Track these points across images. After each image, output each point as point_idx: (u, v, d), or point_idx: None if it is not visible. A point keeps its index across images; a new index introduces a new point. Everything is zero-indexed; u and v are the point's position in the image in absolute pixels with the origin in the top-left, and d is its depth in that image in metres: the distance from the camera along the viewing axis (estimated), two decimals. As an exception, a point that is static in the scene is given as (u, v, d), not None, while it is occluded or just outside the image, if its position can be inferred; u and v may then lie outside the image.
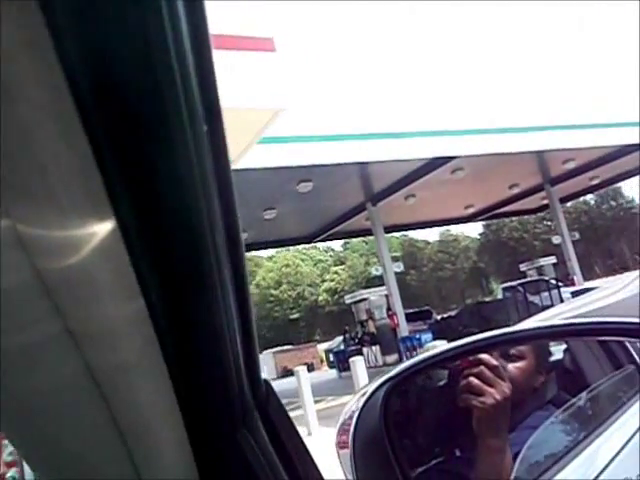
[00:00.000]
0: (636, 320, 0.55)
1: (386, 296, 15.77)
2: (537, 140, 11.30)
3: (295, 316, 50.58)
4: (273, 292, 50.73)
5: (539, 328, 0.61)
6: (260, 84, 4.39)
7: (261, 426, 0.29)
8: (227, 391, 0.25)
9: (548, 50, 12.10)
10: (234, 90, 4.21)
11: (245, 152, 5.39)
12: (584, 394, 0.83)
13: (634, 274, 2.37)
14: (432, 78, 10.42)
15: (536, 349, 0.81)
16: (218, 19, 4.26)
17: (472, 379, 0.80)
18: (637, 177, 17.48)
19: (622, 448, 0.78)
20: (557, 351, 0.86)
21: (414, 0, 10.61)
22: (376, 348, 16.17)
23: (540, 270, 19.32)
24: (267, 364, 24.52)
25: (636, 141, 12.80)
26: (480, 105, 10.68)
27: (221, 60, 4.24)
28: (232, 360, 0.25)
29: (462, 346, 0.64)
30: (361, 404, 0.49)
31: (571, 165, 13.86)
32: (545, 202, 16.86)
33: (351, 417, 0.47)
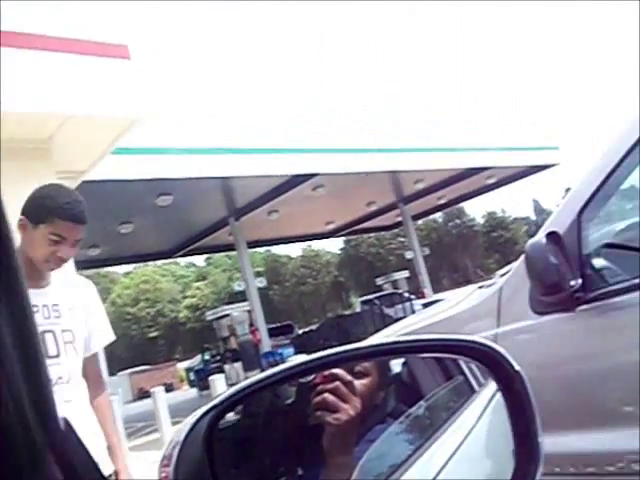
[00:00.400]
0: (463, 337, 0.59)
1: (249, 312, 15.70)
2: (392, 161, 11.99)
3: (154, 334, 48.50)
4: (130, 310, 48.29)
5: (376, 346, 0.64)
6: (115, 92, 4.19)
7: (56, 469, 0.26)
8: (4, 439, 0.22)
9: (403, 77, 12.93)
10: (86, 97, 3.98)
11: (98, 162, 5.10)
12: (420, 405, 0.88)
13: (473, 287, 2.58)
14: (296, 96, 10.65)
15: (379, 365, 0.83)
16: (70, 23, 4.01)
17: (327, 395, 0.79)
18: (478, 198, 19.25)
19: (455, 451, 0.83)
20: (396, 364, 0.90)
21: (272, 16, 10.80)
22: (238, 365, 15.99)
23: (395, 284, 20.42)
24: (122, 386, 23.17)
25: (477, 165, 14.10)
26: (340, 125, 11.11)
27: (73, 65, 3.98)
28: (10, 403, 0.21)
29: (304, 364, 0.64)
30: (183, 436, 0.47)
31: (421, 185, 14.87)
32: (399, 219, 17.90)
33: (174, 448, 0.44)
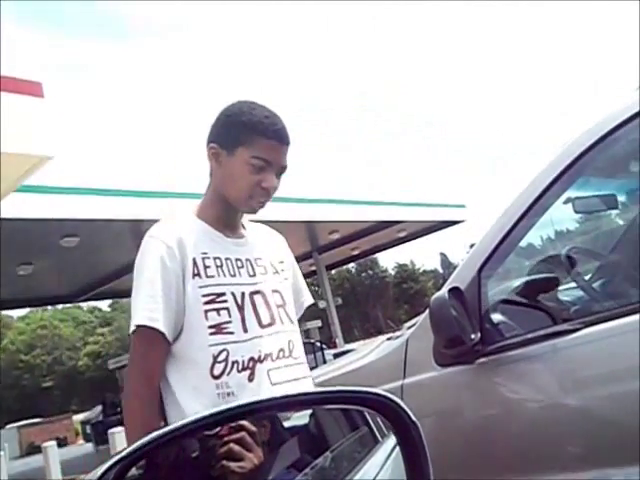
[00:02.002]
0: (364, 389, 0.61)
1: None
2: (308, 211, 12.19)
3: (48, 384, 45.14)
4: (23, 357, 44.85)
5: (283, 398, 0.65)
6: (25, 129, 4.04)
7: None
8: None
9: (321, 130, 13.30)
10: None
11: (2, 199, 4.83)
12: (325, 456, 0.89)
13: (383, 338, 2.65)
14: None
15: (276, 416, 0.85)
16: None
17: (233, 445, 0.80)
18: (390, 250, 19.87)
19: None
20: (304, 415, 0.91)
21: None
22: (141, 416, 15.12)
23: (307, 333, 20.38)
24: (9, 441, 21.26)
25: (390, 218, 14.62)
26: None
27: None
28: None
29: (211, 416, 0.64)
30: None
31: (336, 236, 15.17)
32: (313, 268, 18.05)
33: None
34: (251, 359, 1.37)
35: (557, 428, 1.62)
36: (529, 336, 1.67)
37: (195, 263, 1.38)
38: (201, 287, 1.36)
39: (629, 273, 2.18)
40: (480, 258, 1.83)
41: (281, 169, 1.45)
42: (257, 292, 1.43)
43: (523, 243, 1.95)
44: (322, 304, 18.12)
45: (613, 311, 1.60)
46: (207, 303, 1.36)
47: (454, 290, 1.72)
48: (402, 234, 17.13)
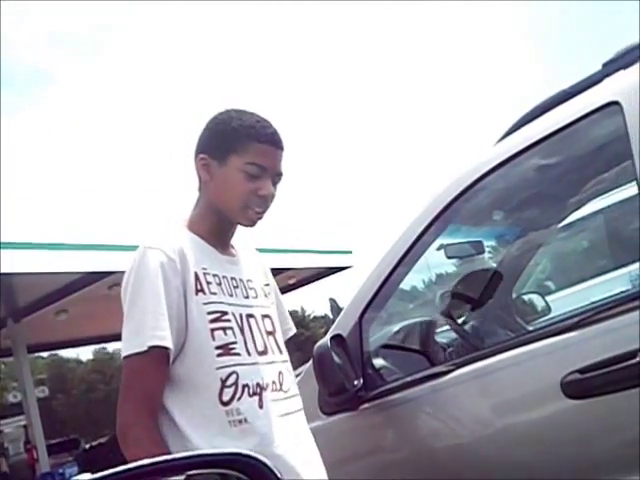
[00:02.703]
0: (226, 451, 0.58)
1: (25, 427, 13.71)
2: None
3: None
4: None
5: (143, 466, 0.60)
6: None
7: None
8: None
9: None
10: None
11: None
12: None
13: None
14: (92, 188, 10.19)
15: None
16: None
17: None
18: (281, 296, 19.82)
19: None
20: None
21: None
22: (8, 492, 13.61)
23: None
24: None
25: (280, 266, 14.66)
26: (138, 221, 10.82)
27: None
28: None
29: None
30: None
31: (292, 281, 15.05)
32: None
33: None
34: (258, 385, 1.28)
35: (439, 471, 1.66)
36: (408, 379, 1.71)
37: (197, 278, 1.28)
38: (205, 304, 1.26)
39: (497, 314, 2.32)
40: (361, 304, 1.87)
41: (277, 176, 1.36)
42: (251, 316, 1.35)
43: (402, 288, 2.03)
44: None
45: (482, 351, 1.68)
46: (213, 321, 1.26)
47: (336, 337, 1.73)
48: (292, 281, 17.24)
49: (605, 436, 1.43)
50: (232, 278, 1.36)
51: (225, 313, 1.28)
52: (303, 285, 18.73)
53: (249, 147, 1.30)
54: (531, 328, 2.36)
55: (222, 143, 1.32)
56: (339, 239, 17.47)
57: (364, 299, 1.87)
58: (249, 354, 1.29)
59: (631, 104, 1.50)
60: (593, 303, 1.83)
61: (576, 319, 1.46)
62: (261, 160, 1.31)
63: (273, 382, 1.32)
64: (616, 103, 1.52)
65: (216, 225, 1.37)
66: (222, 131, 1.33)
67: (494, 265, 2.58)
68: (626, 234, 3.17)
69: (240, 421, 1.23)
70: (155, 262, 1.24)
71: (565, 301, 3.42)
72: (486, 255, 2.55)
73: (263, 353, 1.32)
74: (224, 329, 1.26)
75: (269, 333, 1.38)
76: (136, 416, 1.19)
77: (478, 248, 2.41)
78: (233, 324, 1.28)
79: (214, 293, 1.29)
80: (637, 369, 1.29)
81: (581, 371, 1.37)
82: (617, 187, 2.09)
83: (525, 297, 3.15)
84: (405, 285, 2.08)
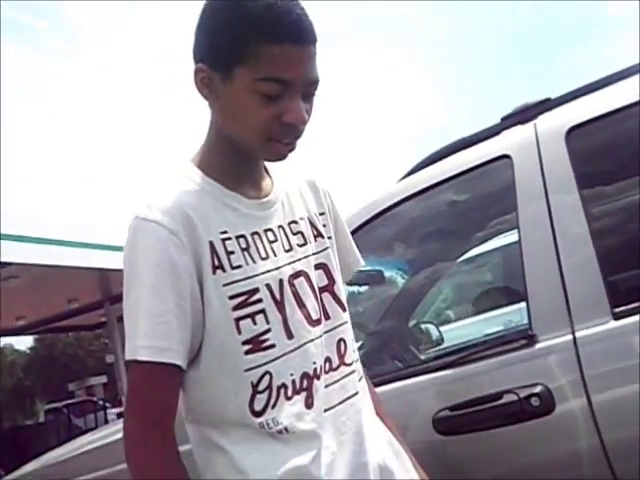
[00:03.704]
0: None
1: None
2: (100, 257, 11.44)
3: None
4: None
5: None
6: None
7: None
8: None
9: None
10: None
11: None
12: None
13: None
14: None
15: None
16: None
17: None
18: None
19: None
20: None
21: None
22: None
23: (89, 390, 18.74)
24: None
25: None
26: (40, 213, 10.30)
27: None
28: None
29: None
30: None
31: None
32: (104, 319, 16.84)
33: None
34: (304, 376, 0.97)
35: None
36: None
37: (214, 250, 0.94)
38: (226, 285, 0.94)
39: (389, 343, 2.39)
40: None
41: (310, 86, 0.94)
42: (297, 274, 1.01)
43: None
44: (110, 358, 16.89)
45: (375, 379, 1.72)
46: (237, 308, 0.94)
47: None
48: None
49: (473, 472, 1.50)
50: (266, 231, 1.01)
51: (254, 292, 0.96)
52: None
53: (259, 52, 0.88)
54: (422, 357, 2.44)
55: (222, 47, 0.90)
56: None
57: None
58: (291, 336, 0.98)
59: (521, 159, 1.61)
60: (470, 341, 1.92)
61: (453, 357, 1.54)
62: (281, 71, 0.89)
63: (328, 360, 1.02)
64: (508, 157, 1.63)
65: (234, 160, 1.00)
66: (219, 26, 0.91)
67: (392, 294, 2.66)
68: (508, 277, 3.38)
69: (280, 432, 0.95)
70: (150, 240, 0.92)
71: (456, 332, 3.58)
72: (385, 285, 2.62)
73: (316, 322, 1.01)
74: (252, 316, 0.95)
75: (324, 289, 1.06)
76: (139, 434, 0.94)
77: (378, 277, 2.48)
78: (266, 303, 0.97)
79: (238, 266, 0.95)
80: (501, 410, 1.37)
81: (451, 408, 1.44)
82: (503, 233, 2.23)
83: (422, 326, 3.26)
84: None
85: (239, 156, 1.00)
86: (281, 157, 0.99)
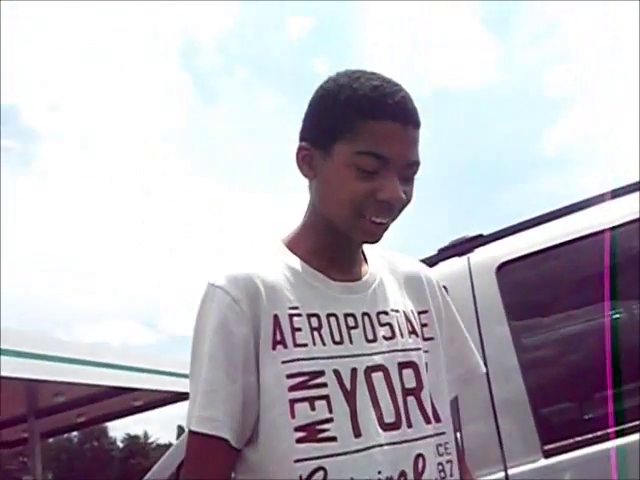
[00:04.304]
0: None
1: None
2: (29, 367, 10.78)
3: None
4: None
5: None
6: None
7: None
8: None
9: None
10: None
11: None
12: None
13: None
14: None
15: None
16: None
17: None
18: (123, 419, 18.21)
19: None
20: None
21: None
22: None
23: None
24: None
25: (125, 384, 13.62)
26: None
27: None
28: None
29: None
30: None
31: (61, 399, 13.52)
32: (25, 435, 15.53)
33: None
34: None
35: None
36: None
37: (278, 323, 0.88)
38: (286, 362, 0.86)
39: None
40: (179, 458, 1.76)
41: (409, 168, 0.91)
42: (378, 368, 0.91)
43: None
44: (27, 478, 15.39)
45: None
46: (294, 389, 0.85)
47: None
48: (138, 403, 15.99)
49: None
50: (347, 315, 0.93)
51: (318, 374, 0.87)
52: (151, 409, 17.41)
53: (360, 127, 0.88)
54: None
55: (326, 124, 0.91)
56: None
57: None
58: (358, 435, 0.86)
59: (455, 290, 1.66)
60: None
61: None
62: (380, 146, 0.87)
63: (403, 475, 0.87)
64: (444, 287, 1.68)
65: (326, 241, 0.96)
66: (327, 106, 0.92)
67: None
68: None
69: None
70: (213, 306, 0.88)
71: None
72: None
73: (391, 427, 0.89)
74: (312, 400, 0.85)
75: (410, 392, 0.92)
76: None
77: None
78: (331, 390, 0.86)
79: (302, 345, 0.88)
80: None
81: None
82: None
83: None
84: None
85: (332, 237, 0.95)
86: (374, 236, 0.93)
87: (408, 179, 0.92)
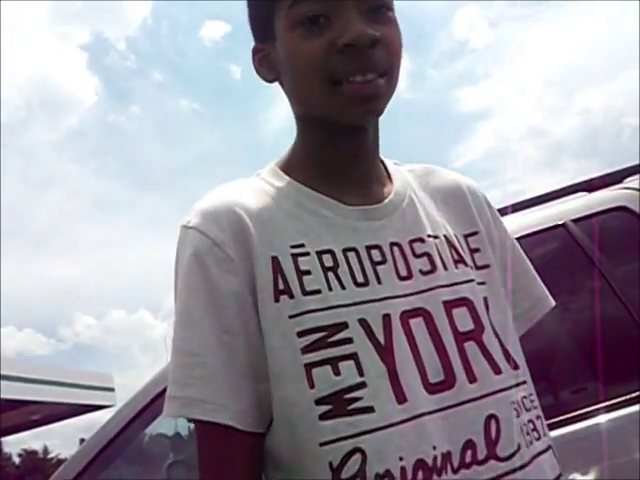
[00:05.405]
0: None
1: None
2: None
3: None
4: None
5: None
6: None
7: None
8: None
9: None
10: None
11: None
12: None
13: None
14: None
15: None
16: None
17: None
18: (21, 434, 17.19)
19: None
20: None
21: None
22: None
23: None
24: None
25: (22, 397, 12.84)
26: None
27: None
28: None
29: None
30: None
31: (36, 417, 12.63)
32: None
33: None
34: (419, 465, 0.62)
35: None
36: None
37: (278, 268, 0.67)
38: (294, 316, 0.65)
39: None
40: (79, 465, 1.72)
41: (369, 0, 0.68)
42: (417, 312, 0.68)
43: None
44: None
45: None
46: (310, 350, 0.64)
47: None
48: (36, 417, 15.11)
49: None
50: (370, 248, 0.70)
51: (339, 327, 0.65)
52: (51, 422, 16.44)
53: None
54: None
55: (259, 8, 0.75)
56: (101, 373, 16.02)
57: (87, 455, 1.74)
58: (403, 399, 0.64)
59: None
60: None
61: None
62: (318, 5, 0.67)
63: (470, 446, 0.64)
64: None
65: (327, 150, 0.73)
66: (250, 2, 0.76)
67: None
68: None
69: None
70: (190, 254, 0.68)
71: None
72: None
73: (441, 387, 0.66)
74: (334, 362, 0.64)
75: (467, 336, 0.70)
76: None
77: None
78: (359, 346, 0.65)
79: (314, 291, 0.66)
80: None
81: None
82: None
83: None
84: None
85: (331, 141, 0.72)
86: (364, 102, 0.68)
87: (378, 17, 0.68)
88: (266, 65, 0.75)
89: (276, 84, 0.76)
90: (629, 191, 1.72)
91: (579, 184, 1.92)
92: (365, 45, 0.65)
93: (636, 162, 1.88)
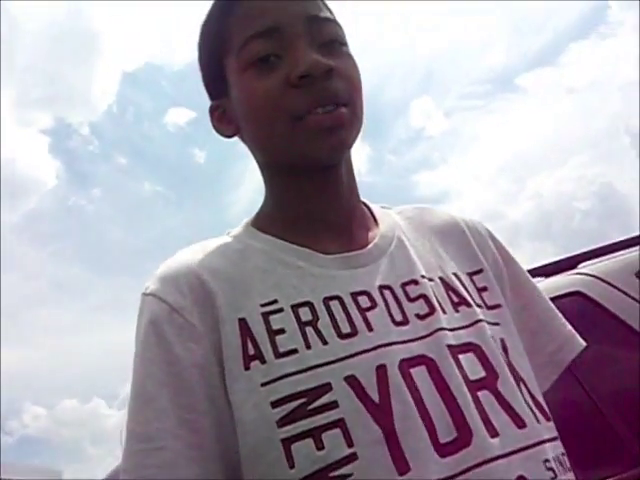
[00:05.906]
0: None
1: None
2: None
3: None
4: None
5: None
6: None
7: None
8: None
9: None
10: None
11: None
12: None
13: None
14: None
15: None
16: None
17: None
18: None
19: None
20: None
21: None
22: None
23: None
24: None
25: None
26: None
27: None
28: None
29: None
30: None
31: None
32: None
33: None
34: None
35: None
36: None
37: (247, 331, 0.58)
38: (267, 384, 0.55)
39: None
40: None
41: (318, 32, 0.64)
42: (418, 359, 0.58)
43: None
44: None
45: None
46: (286, 422, 0.53)
47: None
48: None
49: None
50: (357, 294, 0.62)
51: (320, 391, 0.55)
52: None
53: (225, 31, 0.67)
54: None
55: (209, 66, 0.71)
56: (49, 468, 14.63)
57: None
58: (404, 470, 0.52)
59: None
60: None
61: None
62: (253, 23, 0.64)
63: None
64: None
65: (299, 198, 0.67)
66: (200, 56, 0.73)
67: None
68: None
69: None
70: (147, 323, 0.60)
71: None
72: None
73: (454, 447, 0.54)
74: (316, 433, 0.53)
75: (479, 385, 0.59)
76: None
77: None
78: (346, 408, 0.54)
79: (289, 352, 0.57)
80: None
81: None
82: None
83: None
84: None
85: (303, 186, 0.66)
86: (330, 132, 0.62)
87: (331, 51, 0.65)
88: (224, 121, 0.71)
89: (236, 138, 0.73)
90: (584, 276, 1.77)
91: (535, 269, 1.95)
92: (320, 75, 0.61)
93: (589, 247, 1.95)
